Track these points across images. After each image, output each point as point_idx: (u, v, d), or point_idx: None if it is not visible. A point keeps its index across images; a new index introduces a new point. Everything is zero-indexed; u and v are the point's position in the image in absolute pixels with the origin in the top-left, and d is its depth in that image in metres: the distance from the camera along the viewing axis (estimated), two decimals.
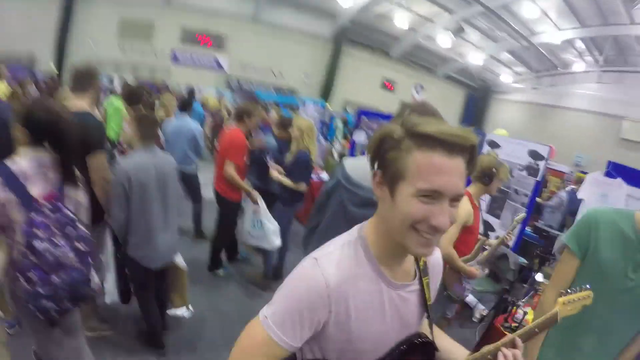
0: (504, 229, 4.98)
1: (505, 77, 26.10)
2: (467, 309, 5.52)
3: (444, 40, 21.95)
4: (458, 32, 21.10)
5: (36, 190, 2.10)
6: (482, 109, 27.89)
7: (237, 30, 21.99)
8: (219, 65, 22.43)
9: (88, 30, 20.24)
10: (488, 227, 5.86)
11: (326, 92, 23.44)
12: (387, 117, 7.80)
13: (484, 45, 22.77)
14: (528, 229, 6.87)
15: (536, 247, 6.22)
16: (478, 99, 27.92)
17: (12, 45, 18.62)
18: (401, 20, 21.02)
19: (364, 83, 24.32)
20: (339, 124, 12.41)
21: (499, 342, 1.27)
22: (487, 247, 3.63)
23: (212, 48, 22.15)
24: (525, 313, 3.67)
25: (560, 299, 1.42)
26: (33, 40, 19.28)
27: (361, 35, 23.02)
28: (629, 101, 21.17)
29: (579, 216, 4.01)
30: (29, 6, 19.09)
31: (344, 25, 22.09)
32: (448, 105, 26.33)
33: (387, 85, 25.20)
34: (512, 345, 1.26)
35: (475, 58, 23.84)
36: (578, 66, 23.02)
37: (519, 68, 25.34)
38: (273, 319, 1.10)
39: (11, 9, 18.75)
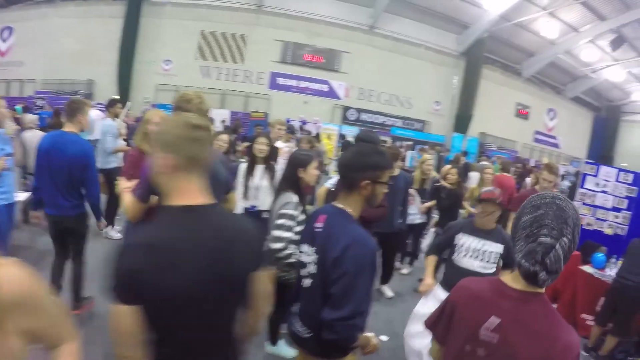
0: None
1: (638, 95, 22.98)
2: None
3: (590, 54, 19.27)
4: (617, 43, 17.59)
5: None
6: (613, 134, 24.92)
7: (351, 45, 18.97)
8: (332, 92, 18.87)
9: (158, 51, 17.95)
10: None
11: (461, 123, 19.64)
12: None
13: (624, 57, 19.79)
14: None
15: None
16: (607, 122, 24.95)
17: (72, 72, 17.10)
18: (548, 29, 18.10)
19: (499, 111, 21.03)
20: None
21: None
22: None
23: (323, 69, 19.10)
24: None
25: None
26: (94, 66, 17.51)
27: (495, 51, 19.62)
28: None
29: None
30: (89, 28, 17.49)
31: (480, 38, 18.69)
32: (575, 131, 24.08)
33: (521, 112, 22.15)
34: None
35: (614, 73, 20.99)
36: None
37: None
38: None
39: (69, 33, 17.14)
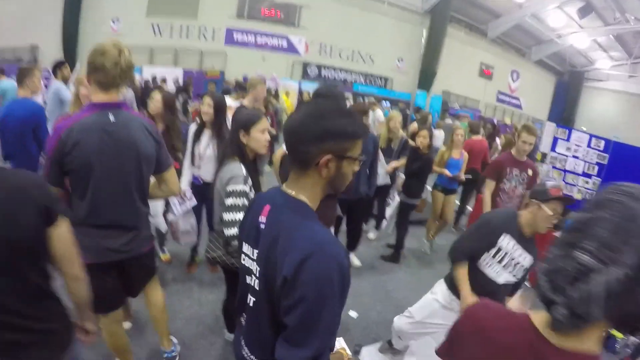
0: None
1: (603, 62, 23.30)
2: None
3: (557, 19, 19.27)
4: (585, 11, 17.51)
5: None
6: (574, 98, 25.31)
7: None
8: (292, 47, 17.97)
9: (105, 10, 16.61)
10: None
11: (425, 80, 19.18)
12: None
13: (591, 25, 19.80)
14: None
15: None
16: (570, 87, 25.25)
17: (16, 40, 15.65)
18: None
19: (463, 70, 20.65)
20: None
21: None
22: None
23: (281, 23, 18.18)
24: None
25: None
26: (38, 32, 16.05)
27: (462, 11, 19.04)
28: None
29: None
30: None
31: None
32: (537, 93, 24.48)
33: (485, 72, 21.89)
34: None
35: (580, 40, 21.05)
36: None
37: (615, 53, 22.56)
38: None
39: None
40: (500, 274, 2.60)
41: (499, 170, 4.45)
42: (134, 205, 2.29)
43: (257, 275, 1.34)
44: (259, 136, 2.58)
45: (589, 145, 6.74)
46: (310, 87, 15.74)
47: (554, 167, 7.09)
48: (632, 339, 4.89)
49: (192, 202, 3.75)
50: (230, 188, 2.43)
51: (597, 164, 6.68)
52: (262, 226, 1.34)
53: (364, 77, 19.11)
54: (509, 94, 23.13)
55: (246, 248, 1.43)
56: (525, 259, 2.57)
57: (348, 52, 18.86)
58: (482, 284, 2.63)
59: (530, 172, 4.45)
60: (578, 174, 6.91)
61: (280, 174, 3.22)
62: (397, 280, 4.93)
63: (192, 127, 3.95)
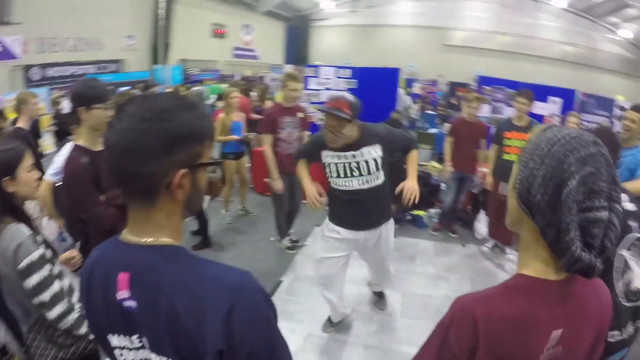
0: None
1: (326, 3, 26.09)
2: None
3: None
4: None
5: None
6: (304, 39, 27.84)
7: None
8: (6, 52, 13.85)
9: None
10: None
11: (160, 54, 18.05)
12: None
13: None
14: None
15: None
16: (299, 29, 27.62)
17: None
18: None
19: (196, 34, 20.25)
20: None
21: None
22: None
23: None
24: None
25: None
26: None
27: None
28: (446, 14, 24.85)
29: None
30: None
31: None
32: (271, 41, 25.93)
33: (218, 32, 21.82)
34: None
35: None
36: None
37: None
38: None
39: None
40: (349, 182, 3.04)
41: (272, 123, 4.66)
42: None
43: None
44: (28, 177, 1.91)
45: (336, 76, 7.94)
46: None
47: (311, 103, 7.82)
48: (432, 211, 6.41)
49: None
50: (24, 264, 1.75)
51: (347, 89, 7.93)
52: (130, 303, 0.92)
53: (94, 66, 16.13)
54: (244, 47, 23.77)
55: (117, 340, 0.98)
56: (360, 156, 2.97)
57: (72, 42, 15.69)
58: (345, 199, 3.09)
59: (300, 114, 4.82)
60: None
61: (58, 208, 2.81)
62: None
63: None
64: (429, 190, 6.41)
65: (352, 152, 2.96)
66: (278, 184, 4.66)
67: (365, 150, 2.97)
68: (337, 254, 3.27)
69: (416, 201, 2.99)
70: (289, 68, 9.64)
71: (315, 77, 7.90)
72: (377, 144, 3.00)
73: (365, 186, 3.04)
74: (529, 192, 0.93)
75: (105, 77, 15.30)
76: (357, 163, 2.98)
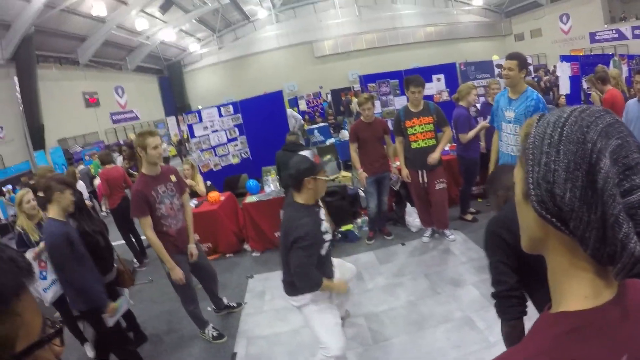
0: None
1: (194, 46, 25.97)
2: None
3: (142, 23, 19.82)
4: (166, 6, 19.18)
5: None
6: (180, 86, 27.47)
7: None
8: None
9: None
10: None
11: (37, 139, 16.27)
12: None
13: (174, 17, 21.89)
14: None
15: None
16: (172, 79, 27.19)
17: None
18: (97, 7, 17.00)
19: (70, 108, 18.86)
20: None
21: None
22: None
23: None
24: None
25: None
26: None
27: (47, 45, 17.49)
28: (310, 28, 25.94)
29: None
30: None
31: (27, 35, 15.38)
32: (147, 97, 25.20)
33: (91, 101, 20.57)
34: None
35: (167, 34, 22.66)
36: (261, 13, 26.04)
37: (202, 33, 25.81)
38: None
39: None
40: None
41: (143, 202, 3.60)
42: None
43: None
44: None
45: (220, 115, 7.57)
46: None
47: (201, 150, 7.51)
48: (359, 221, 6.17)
49: None
50: None
51: (235, 125, 7.62)
52: None
53: None
54: (122, 110, 22.84)
55: None
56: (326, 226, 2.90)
57: None
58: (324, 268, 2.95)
59: (173, 177, 3.86)
60: (225, 143, 7.64)
61: None
62: None
63: None
64: (349, 201, 6.17)
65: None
66: (177, 273, 3.70)
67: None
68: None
69: None
70: (171, 120, 9.08)
71: (199, 122, 7.45)
72: None
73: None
74: (553, 193, 0.67)
75: None
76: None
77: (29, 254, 3.65)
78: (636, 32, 19.88)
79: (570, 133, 0.67)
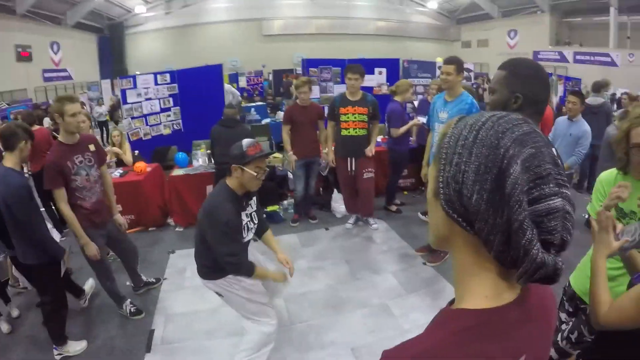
0: None
1: (139, 7, 24.67)
2: None
3: None
4: None
5: None
6: (120, 49, 25.98)
7: None
8: None
9: None
10: None
11: None
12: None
13: None
14: None
15: None
16: (113, 40, 25.67)
17: None
18: None
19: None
20: None
21: None
22: None
23: None
24: None
25: None
26: None
27: None
28: (261, 5, 25.47)
29: None
30: None
31: None
32: (83, 57, 23.67)
33: (24, 54, 18.95)
34: None
35: None
36: None
37: None
38: None
39: None
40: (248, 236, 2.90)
41: (58, 172, 3.40)
42: None
43: None
44: None
45: (156, 84, 7.31)
46: None
47: (132, 118, 7.26)
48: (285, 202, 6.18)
49: None
50: None
51: (170, 95, 7.39)
52: None
53: None
54: (55, 68, 21.20)
55: None
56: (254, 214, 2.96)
57: None
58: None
59: (92, 146, 3.67)
60: (157, 113, 7.42)
61: None
62: None
63: None
64: (277, 182, 6.20)
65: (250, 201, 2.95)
66: (91, 249, 3.55)
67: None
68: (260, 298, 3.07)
69: None
70: (106, 84, 8.62)
71: (133, 88, 7.15)
72: None
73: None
74: (461, 194, 0.70)
75: None
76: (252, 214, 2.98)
77: None
78: (577, 57, 20.89)
79: (485, 137, 0.69)
